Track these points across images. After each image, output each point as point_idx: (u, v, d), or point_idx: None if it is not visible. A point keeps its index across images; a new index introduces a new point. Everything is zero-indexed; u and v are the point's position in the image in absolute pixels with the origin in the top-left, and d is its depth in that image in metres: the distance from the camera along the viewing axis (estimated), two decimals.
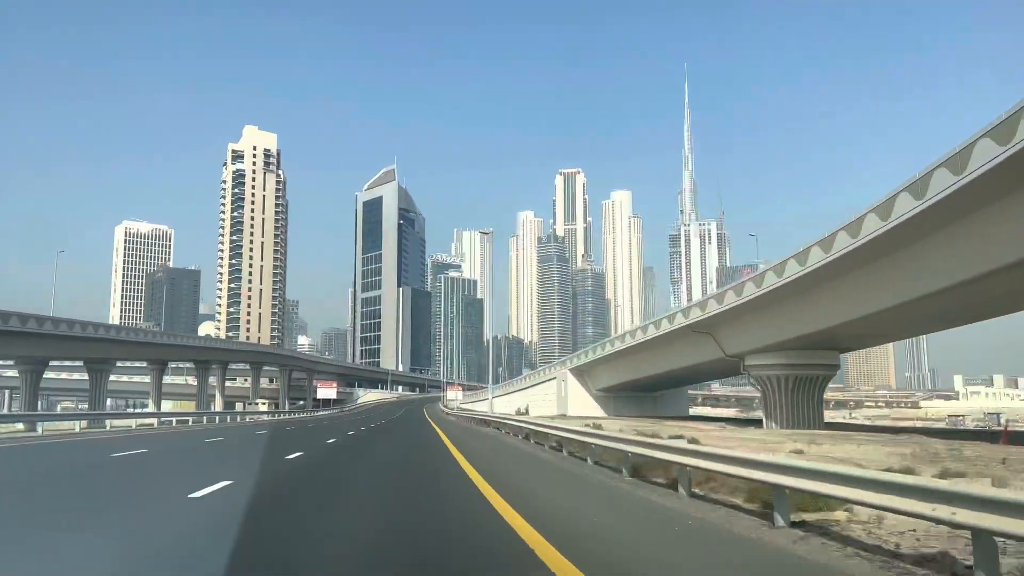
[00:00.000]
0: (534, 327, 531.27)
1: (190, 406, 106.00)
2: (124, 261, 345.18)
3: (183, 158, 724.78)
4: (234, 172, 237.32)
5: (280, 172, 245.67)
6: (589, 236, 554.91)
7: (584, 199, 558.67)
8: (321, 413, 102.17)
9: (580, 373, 68.82)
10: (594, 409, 67.55)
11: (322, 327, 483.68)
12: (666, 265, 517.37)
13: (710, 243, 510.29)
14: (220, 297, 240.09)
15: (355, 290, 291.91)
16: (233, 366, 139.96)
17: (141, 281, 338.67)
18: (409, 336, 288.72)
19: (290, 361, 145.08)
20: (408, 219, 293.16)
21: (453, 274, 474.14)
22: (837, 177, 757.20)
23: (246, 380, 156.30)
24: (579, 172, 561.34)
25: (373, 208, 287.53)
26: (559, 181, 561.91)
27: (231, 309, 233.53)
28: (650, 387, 67.26)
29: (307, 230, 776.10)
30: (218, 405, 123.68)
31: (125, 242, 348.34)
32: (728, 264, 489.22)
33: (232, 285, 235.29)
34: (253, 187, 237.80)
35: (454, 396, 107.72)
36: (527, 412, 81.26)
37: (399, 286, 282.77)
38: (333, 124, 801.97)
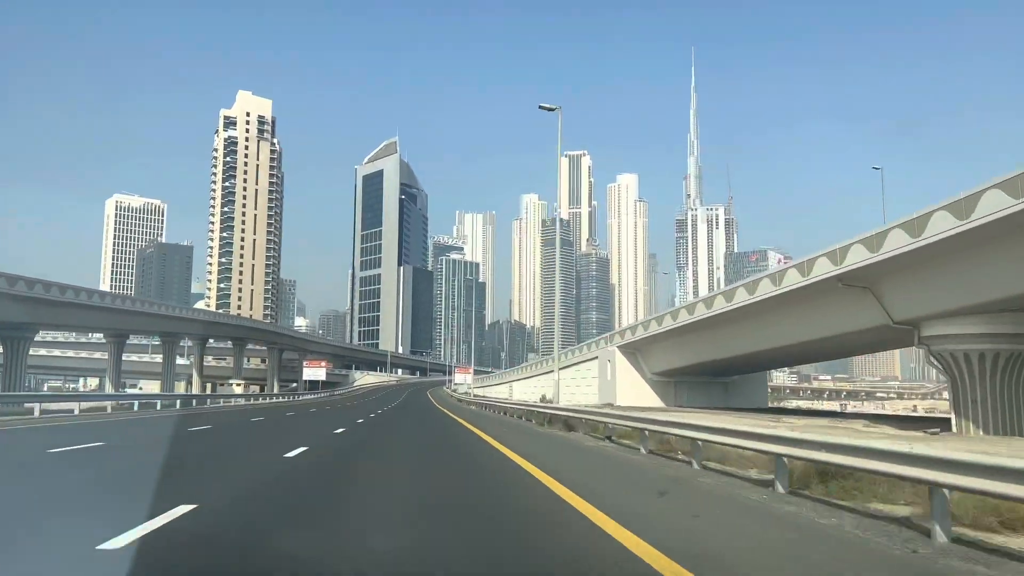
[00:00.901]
0: (537, 312, 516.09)
1: (157, 387, 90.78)
2: (115, 236, 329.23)
3: (178, 128, 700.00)
4: (226, 140, 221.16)
5: (275, 141, 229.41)
6: (594, 221, 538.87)
7: (590, 182, 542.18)
8: (308, 397, 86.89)
9: (632, 352, 53.30)
10: (649, 397, 52.24)
11: (320, 309, 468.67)
12: (671, 251, 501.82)
13: (717, 228, 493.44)
14: (210, 273, 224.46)
15: (353, 269, 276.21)
16: (216, 344, 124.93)
17: (132, 257, 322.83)
18: (410, 317, 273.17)
19: (278, 339, 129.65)
20: (410, 195, 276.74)
21: (455, 256, 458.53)
22: (846, 159, 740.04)
23: (231, 360, 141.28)
24: (584, 154, 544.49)
25: (373, 182, 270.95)
26: (564, 163, 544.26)
27: (221, 285, 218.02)
28: (720, 371, 51.84)
29: (305, 207, 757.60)
30: (195, 387, 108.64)
31: (116, 216, 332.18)
32: (736, 250, 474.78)
33: (223, 260, 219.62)
34: (246, 156, 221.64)
35: (463, 379, 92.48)
36: (556, 400, 65.99)
37: (400, 265, 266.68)
38: (333, 98, 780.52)
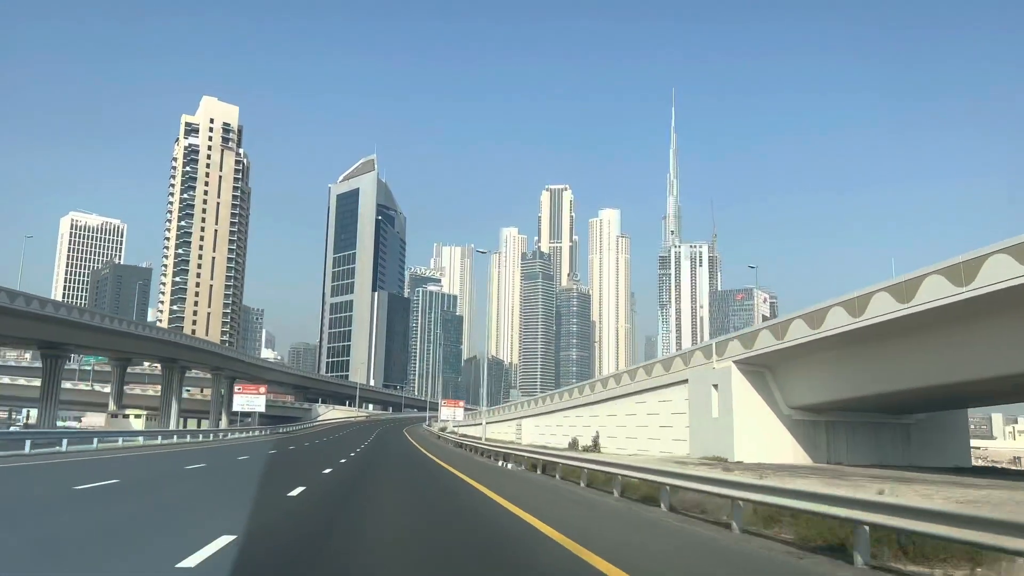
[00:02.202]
0: (515, 348, 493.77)
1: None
2: (68, 256, 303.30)
3: (142, 144, 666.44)
4: (187, 148, 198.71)
5: (241, 152, 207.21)
6: (575, 256, 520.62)
7: (571, 217, 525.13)
8: (235, 436, 63.70)
9: (758, 370, 31.53)
10: (784, 446, 30.69)
11: (290, 342, 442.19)
12: (653, 288, 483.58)
13: (701, 266, 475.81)
14: (163, 293, 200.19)
15: (324, 294, 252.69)
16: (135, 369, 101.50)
17: (86, 279, 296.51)
18: (383, 348, 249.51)
19: (225, 363, 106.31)
20: (387, 216, 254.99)
21: (432, 288, 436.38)
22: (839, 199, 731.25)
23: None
24: (566, 188, 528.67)
25: (348, 201, 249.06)
26: (545, 197, 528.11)
27: (175, 307, 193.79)
28: (902, 405, 30.49)
29: (276, 230, 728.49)
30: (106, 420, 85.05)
31: (71, 235, 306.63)
32: (720, 288, 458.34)
33: (177, 279, 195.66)
34: (208, 166, 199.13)
35: (450, 415, 70.00)
36: (596, 447, 44.18)
37: (374, 290, 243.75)
38: (307, 112, 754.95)
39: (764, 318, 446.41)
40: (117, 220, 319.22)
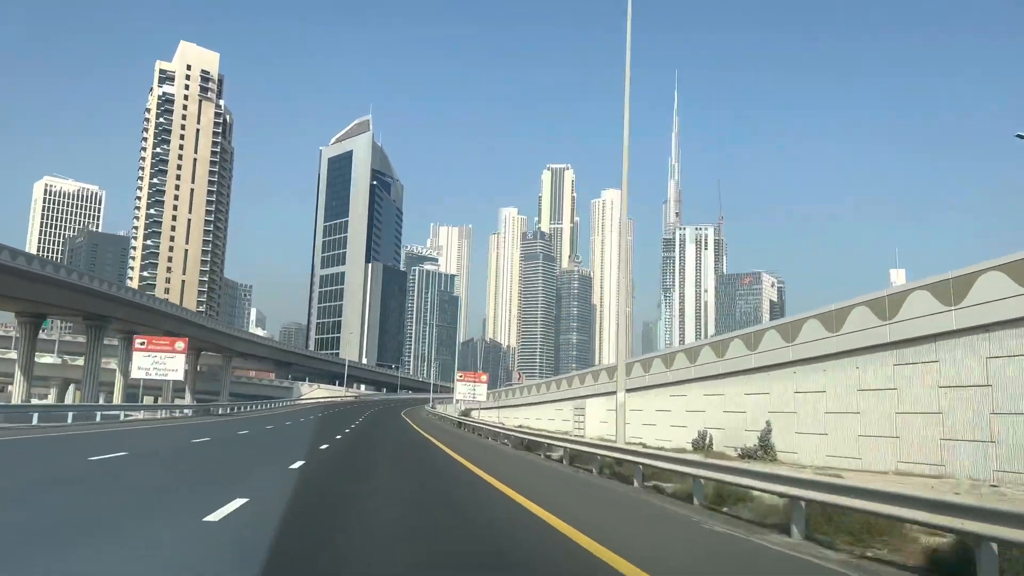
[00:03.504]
0: (513, 331, 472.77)
1: None
2: (42, 223, 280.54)
3: (124, 109, 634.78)
4: (160, 98, 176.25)
5: (221, 103, 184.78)
6: (576, 237, 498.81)
7: (572, 197, 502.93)
8: (128, 420, 41.59)
9: None
10: None
11: (281, 321, 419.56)
12: (654, 273, 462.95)
13: (706, 249, 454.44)
14: (133, 258, 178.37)
15: (313, 266, 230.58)
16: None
17: (61, 247, 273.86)
18: (377, 324, 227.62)
19: (176, 325, 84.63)
20: (383, 182, 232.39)
21: (429, 267, 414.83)
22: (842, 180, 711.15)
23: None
24: (568, 168, 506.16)
25: (340, 165, 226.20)
26: (546, 176, 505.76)
27: (146, 273, 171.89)
28: None
29: (265, 203, 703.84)
30: (18, 394, 64.10)
31: (45, 201, 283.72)
32: (725, 272, 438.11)
33: (149, 242, 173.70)
34: (184, 117, 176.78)
35: (467, 393, 48.19)
36: (766, 450, 23.18)
37: (368, 262, 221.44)
38: (297, 71, 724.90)
39: (771, 303, 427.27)
40: (95, 186, 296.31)
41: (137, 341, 47.12)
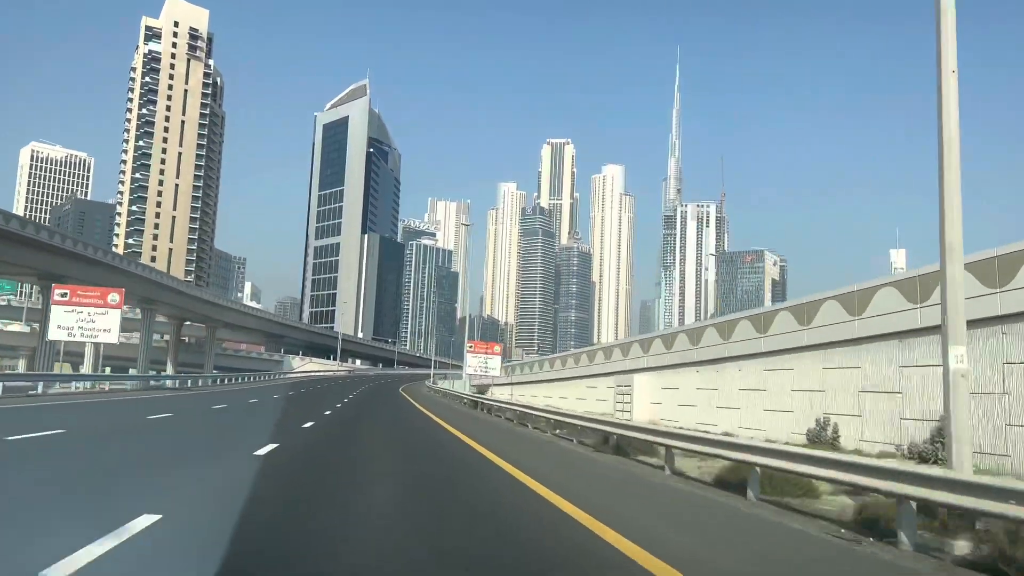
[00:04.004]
0: (510, 309, 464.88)
1: None
2: (29, 190, 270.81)
3: (115, 75, 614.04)
4: (147, 56, 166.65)
5: (211, 64, 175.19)
6: (576, 213, 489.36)
7: (572, 172, 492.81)
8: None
9: None
10: None
11: (277, 296, 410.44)
12: (654, 252, 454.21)
13: (708, 226, 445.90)
14: (118, 225, 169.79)
15: (308, 237, 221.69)
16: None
17: (47, 215, 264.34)
18: (374, 299, 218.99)
19: (150, 289, 76.42)
20: (380, 151, 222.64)
21: (426, 242, 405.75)
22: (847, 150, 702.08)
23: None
24: (568, 143, 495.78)
25: (336, 132, 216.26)
26: (546, 151, 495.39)
27: (131, 240, 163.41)
28: None
29: (262, 171, 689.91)
30: None
31: (31, 168, 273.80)
32: (726, 249, 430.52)
33: (135, 208, 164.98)
34: (171, 77, 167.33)
35: (478, 367, 40.17)
36: (835, 438, 15.25)
37: (364, 232, 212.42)
38: (293, 43, 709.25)
39: (773, 282, 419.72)
40: (83, 153, 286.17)
41: (57, 292, 37.11)
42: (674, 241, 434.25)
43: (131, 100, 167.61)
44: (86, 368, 74.80)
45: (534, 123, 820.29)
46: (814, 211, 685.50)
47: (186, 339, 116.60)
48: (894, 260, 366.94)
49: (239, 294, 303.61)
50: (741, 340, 23.98)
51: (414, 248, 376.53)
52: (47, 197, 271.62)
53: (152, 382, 54.79)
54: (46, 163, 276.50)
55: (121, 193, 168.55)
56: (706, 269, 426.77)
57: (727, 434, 17.20)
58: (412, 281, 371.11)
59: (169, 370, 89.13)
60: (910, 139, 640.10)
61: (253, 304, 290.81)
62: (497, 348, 45.03)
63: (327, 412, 26.62)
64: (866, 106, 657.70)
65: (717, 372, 25.09)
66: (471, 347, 44.83)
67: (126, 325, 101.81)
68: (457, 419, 26.87)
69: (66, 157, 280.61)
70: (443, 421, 25.11)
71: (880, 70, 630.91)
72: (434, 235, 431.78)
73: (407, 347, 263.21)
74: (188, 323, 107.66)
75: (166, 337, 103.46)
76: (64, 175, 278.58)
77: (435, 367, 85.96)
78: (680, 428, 17.92)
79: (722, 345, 24.86)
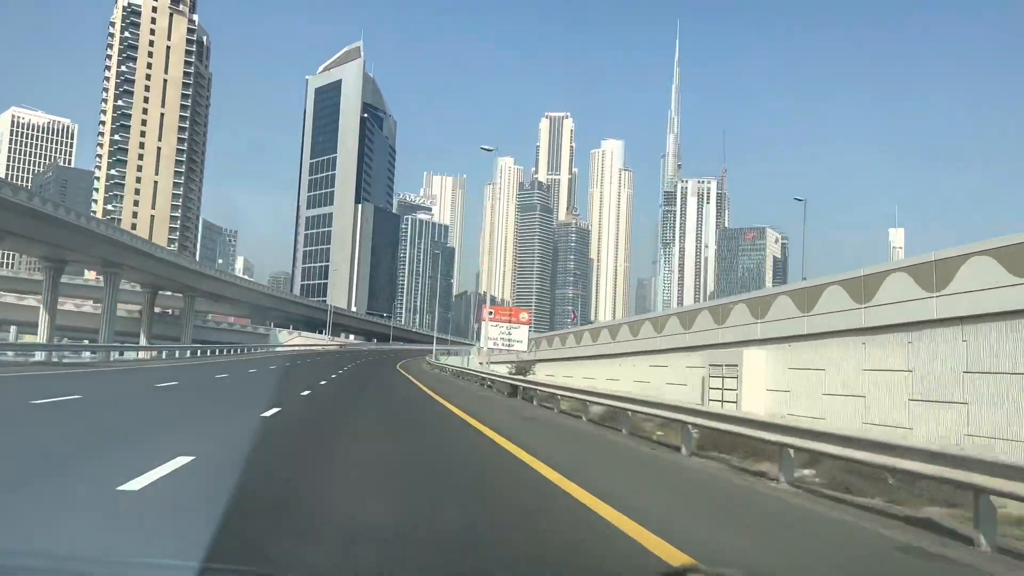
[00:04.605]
0: (507, 285, 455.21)
1: None
2: (9, 156, 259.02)
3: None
4: (126, 8, 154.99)
5: (195, 20, 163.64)
6: (574, 189, 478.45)
7: (571, 147, 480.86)
8: None
9: None
10: None
11: (270, 271, 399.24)
12: (654, 228, 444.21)
13: (708, 203, 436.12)
14: (96, 190, 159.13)
15: (298, 208, 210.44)
16: None
17: (27, 183, 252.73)
18: (368, 271, 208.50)
19: (112, 251, 66.35)
20: (375, 116, 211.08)
21: (423, 216, 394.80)
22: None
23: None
24: (567, 117, 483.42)
25: (328, 97, 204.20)
26: (544, 125, 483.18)
27: (110, 207, 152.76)
28: None
29: (252, 143, 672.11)
30: None
31: (12, 133, 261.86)
32: (727, 226, 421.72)
33: (114, 172, 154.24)
34: (152, 32, 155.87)
35: (499, 338, 30.90)
36: None
37: (358, 202, 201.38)
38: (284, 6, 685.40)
39: (775, 260, 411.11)
40: (67, 120, 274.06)
41: None
42: (674, 218, 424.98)
43: (110, 57, 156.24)
44: (41, 337, 65.27)
45: (532, 96, 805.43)
46: (819, 188, 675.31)
47: (170, 311, 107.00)
48: (892, 239, 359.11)
49: (231, 269, 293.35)
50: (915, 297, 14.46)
51: (410, 223, 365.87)
52: (29, 165, 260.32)
53: (115, 355, 45.24)
54: (28, 129, 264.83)
55: (100, 156, 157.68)
56: (706, 247, 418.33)
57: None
58: (408, 256, 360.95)
59: (142, 342, 79.61)
60: (918, 113, 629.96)
61: (245, 277, 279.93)
62: (524, 315, 35.46)
63: (304, 392, 21.66)
64: (875, 80, 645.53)
65: (911, 344, 15.45)
66: (491, 313, 35.09)
67: (89, 294, 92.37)
68: (500, 417, 17.31)
69: (48, 123, 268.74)
70: (465, 414, 15.63)
71: (889, 43, 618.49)
72: (430, 210, 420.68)
73: (402, 322, 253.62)
74: (165, 293, 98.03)
75: (139, 308, 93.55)
76: (47, 142, 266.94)
77: (436, 343, 75.95)
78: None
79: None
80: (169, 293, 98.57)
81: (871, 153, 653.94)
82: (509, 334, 32.85)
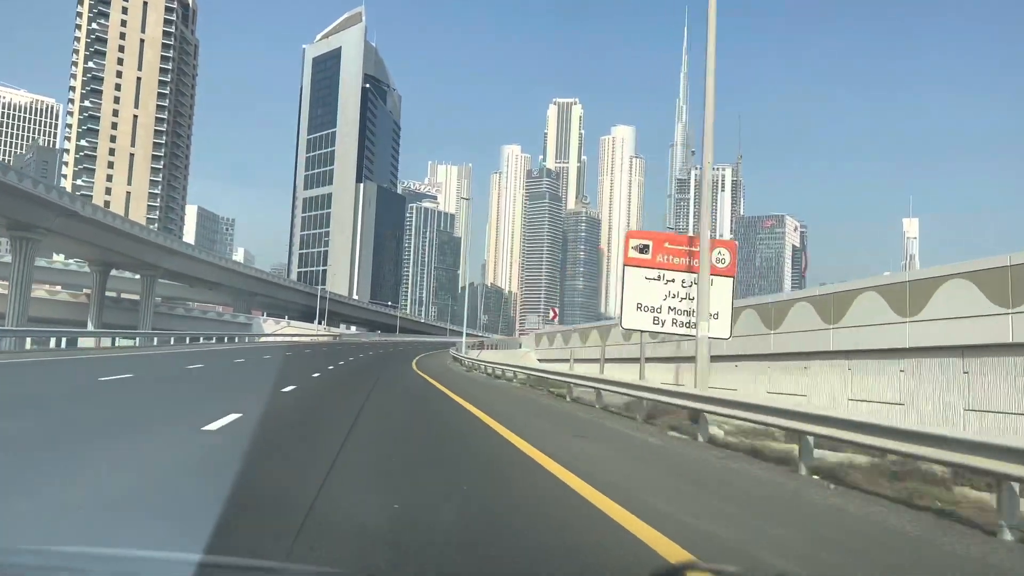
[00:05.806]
0: (514, 276, 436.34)
1: None
2: None
3: None
4: None
5: None
6: (583, 177, 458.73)
7: (580, 134, 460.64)
8: None
9: None
10: None
11: (270, 261, 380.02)
12: (670, 214, 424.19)
13: (723, 191, 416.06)
14: (66, 163, 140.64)
15: (295, 186, 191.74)
16: None
17: (8, 162, 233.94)
18: (370, 255, 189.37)
19: (24, 209, 47.79)
20: (378, 89, 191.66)
21: (427, 204, 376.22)
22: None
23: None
24: (576, 103, 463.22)
25: (327, 67, 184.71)
26: (552, 112, 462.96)
27: (80, 181, 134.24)
28: None
29: (248, 122, 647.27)
30: None
31: None
32: (743, 214, 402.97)
33: (84, 142, 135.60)
34: None
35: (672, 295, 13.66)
36: None
37: (359, 181, 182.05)
38: None
39: (794, 248, 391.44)
40: (51, 100, 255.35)
41: None
42: (687, 206, 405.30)
43: (80, 14, 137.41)
44: None
45: (537, 88, 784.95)
46: (836, 177, 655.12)
47: (138, 296, 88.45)
48: (906, 229, 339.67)
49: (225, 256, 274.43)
50: None
51: (414, 211, 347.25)
52: (11, 145, 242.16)
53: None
54: (9, 108, 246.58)
55: (69, 127, 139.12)
56: (721, 235, 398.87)
57: None
58: (412, 246, 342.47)
59: (90, 328, 61.28)
60: (935, 103, 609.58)
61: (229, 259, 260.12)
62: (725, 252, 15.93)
63: None
64: (891, 70, 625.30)
65: None
66: (643, 248, 14.26)
67: (45, 277, 73.67)
68: None
69: (31, 103, 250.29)
70: None
71: (905, 32, 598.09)
72: (435, 198, 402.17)
73: (407, 312, 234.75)
74: (122, 274, 79.60)
75: (86, 291, 74.92)
76: (30, 122, 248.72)
77: (467, 336, 56.46)
78: None
79: None
80: (128, 275, 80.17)
81: (885, 145, 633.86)
82: (688, 297, 14.03)
